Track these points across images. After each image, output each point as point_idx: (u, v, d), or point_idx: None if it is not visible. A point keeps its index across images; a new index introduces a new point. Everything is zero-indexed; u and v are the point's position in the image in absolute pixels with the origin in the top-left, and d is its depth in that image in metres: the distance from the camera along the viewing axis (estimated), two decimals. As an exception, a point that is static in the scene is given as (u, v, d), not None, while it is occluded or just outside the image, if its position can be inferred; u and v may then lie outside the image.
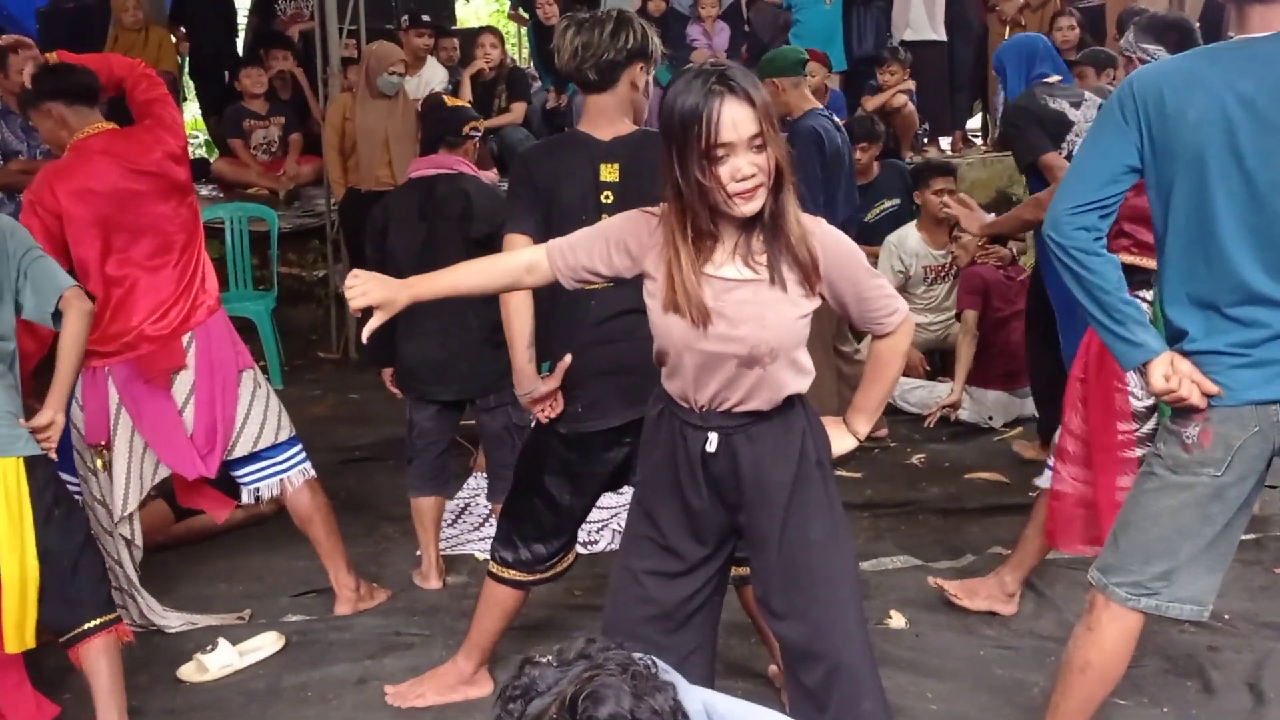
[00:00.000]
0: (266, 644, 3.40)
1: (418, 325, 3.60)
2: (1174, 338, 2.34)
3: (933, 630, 3.45)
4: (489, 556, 3.03)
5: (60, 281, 2.81)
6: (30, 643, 2.80)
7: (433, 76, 7.23)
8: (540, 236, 2.62)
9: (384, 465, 4.94)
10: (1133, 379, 3.27)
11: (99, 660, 2.78)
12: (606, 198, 2.80)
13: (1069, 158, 4.43)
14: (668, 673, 1.47)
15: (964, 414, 5.34)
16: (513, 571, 2.96)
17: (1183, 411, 2.33)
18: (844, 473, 4.84)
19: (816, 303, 2.16)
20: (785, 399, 2.21)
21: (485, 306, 3.51)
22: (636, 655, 1.44)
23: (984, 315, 5.25)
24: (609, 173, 2.80)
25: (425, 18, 7.86)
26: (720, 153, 2.00)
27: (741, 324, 2.11)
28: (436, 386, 3.71)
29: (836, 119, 5.23)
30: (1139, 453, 3.30)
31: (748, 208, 2.04)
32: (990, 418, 5.38)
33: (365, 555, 4.01)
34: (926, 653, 3.30)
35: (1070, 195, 2.33)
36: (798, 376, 2.20)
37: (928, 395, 5.53)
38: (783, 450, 2.23)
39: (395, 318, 3.59)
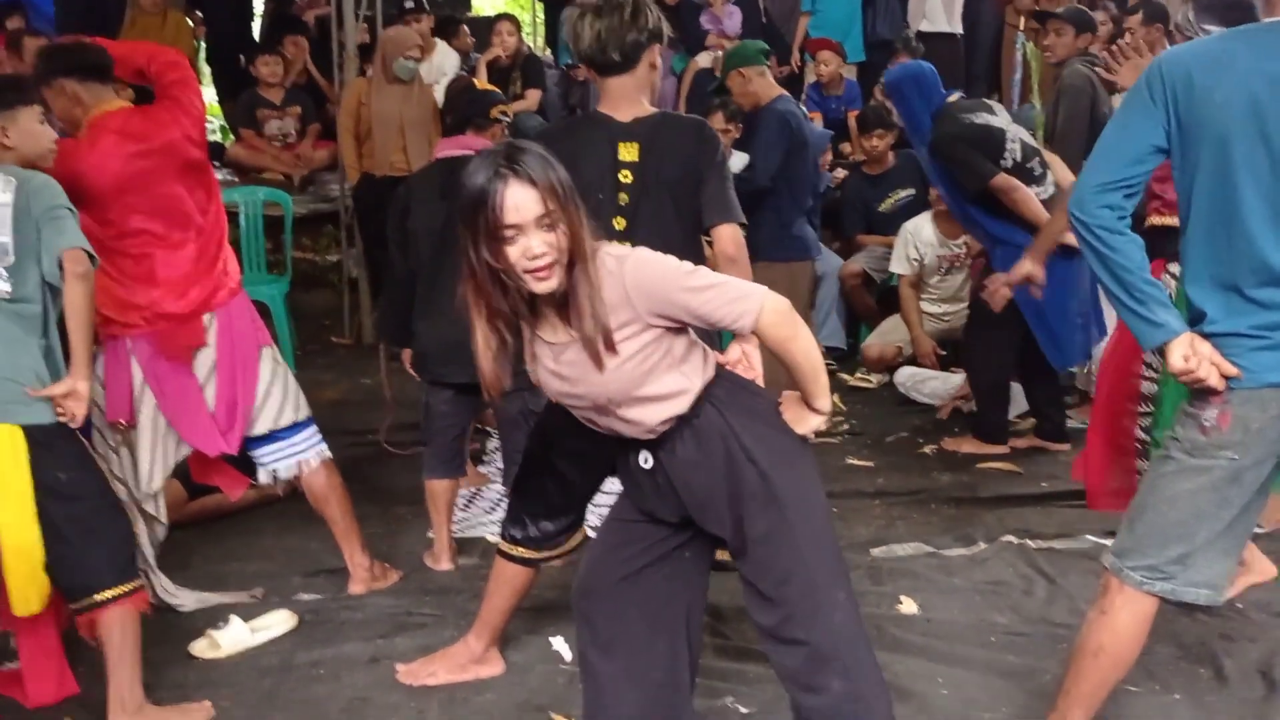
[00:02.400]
0: (279, 622, 3.41)
1: (434, 306, 3.60)
2: (1194, 319, 2.33)
3: (944, 616, 3.44)
4: (499, 535, 3.04)
5: (63, 240, 2.76)
6: (36, 608, 2.80)
7: (445, 62, 7.23)
8: None
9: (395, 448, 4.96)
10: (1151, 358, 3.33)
11: (114, 630, 2.79)
12: (625, 177, 2.80)
13: (1014, 169, 4.44)
14: None
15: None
16: (521, 549, 2.97)
17: (1201, 394, 2.32)
18: (856, 461, 4.85)
19: (646, 337, 2.12)
20: (694, 408, 2.21)
21: None
22: None
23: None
24: (628, 152, 2.81)
25: (425, 3, 7.77)
26: (509, 234, 2.02)
27: (578, 382, 2.17)
28: (452, 368, 3.70)
29: (803, 109, 5.35)
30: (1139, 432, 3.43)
31: (542, 286, 2.06)
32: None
33: (377, 536, 4.02)
34: (938, 638, 3.30)
35: (1096, 173, 2.32)
36: (663, 404, 2.19)
37: (941, 386, 5.52)
38: (705, 457, 2.23)
39: (412, 298, 3.62)
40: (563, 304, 2.11)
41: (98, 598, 2.78)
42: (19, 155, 2.93)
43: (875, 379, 5.99)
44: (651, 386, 2.17)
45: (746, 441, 2.22)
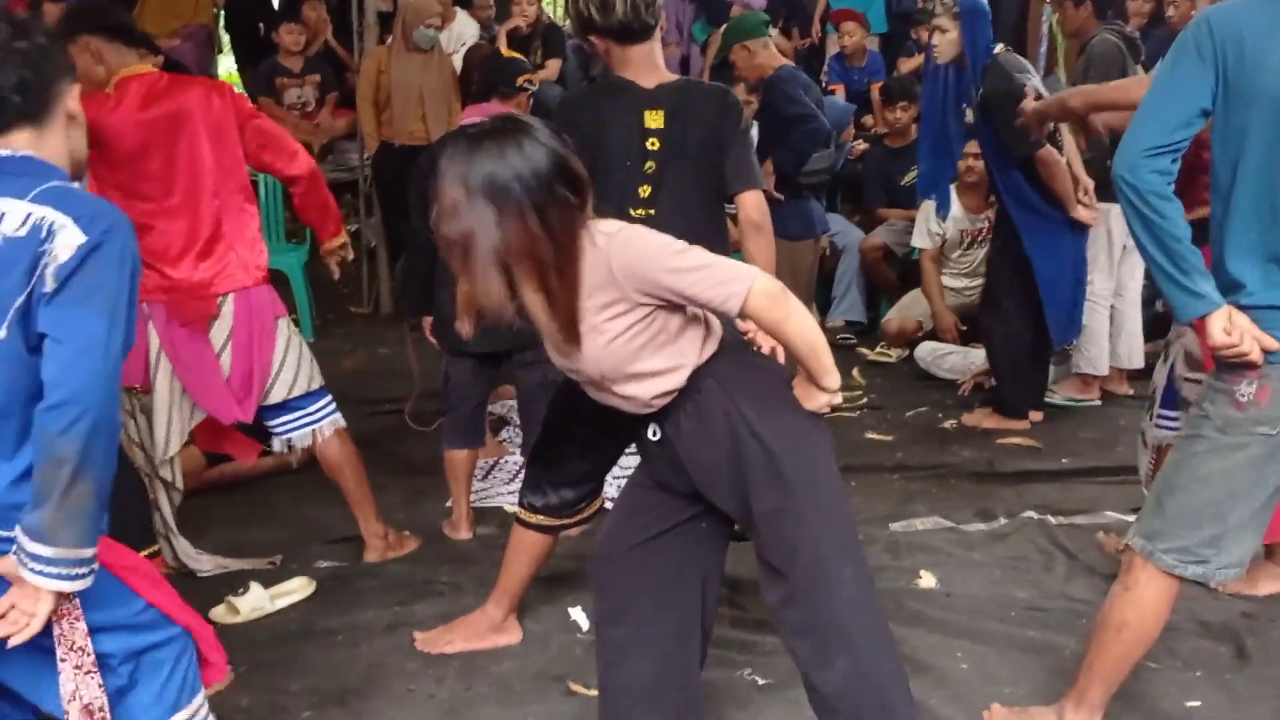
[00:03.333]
0: (297, 588, 3.43)
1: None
2: (1228, 289, 2.27)
3: (964, 591, 3.43)
4: (517, 503, 3.04)
5: None
6: None
7: (465, 31, 7.19)
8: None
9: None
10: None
11: None
12: (652, 144, 2.79)
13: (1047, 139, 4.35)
14: None
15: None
16: (540, 516, 2.97)
17: (1233, 368, 2.27)
18: (875, 435, 4.83)
19: (634, 315, 2.08)
20: (694, 383, 2.18)
21: None
22: None
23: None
24: (654, 119, 2.79)
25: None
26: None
27: (574, 358, 2.16)
28: (477, 336, 3.67)
29: (807, 77, 5.31)
30: None
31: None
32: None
33: (395, 505, 4.03)
34: (957, 613, 3.28)
35: (1145, 136, 2.24)
36: (656, 379, 2.16)
37: (962, 361, 5.49)
38: (708, 432, 2.20)
39: (433, 265, 3.60)
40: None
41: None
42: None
43: (895, 353, 5.95)
44: (642, 363, 2.14)
45: (750, 417, 2.18)
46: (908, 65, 7.24)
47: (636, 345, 2.11)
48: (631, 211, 2.84)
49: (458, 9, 7.36)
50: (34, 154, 1.91)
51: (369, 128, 6.35)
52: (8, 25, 1.89)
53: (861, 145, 6.91)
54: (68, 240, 1.79)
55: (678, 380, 2.17)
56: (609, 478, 3.06)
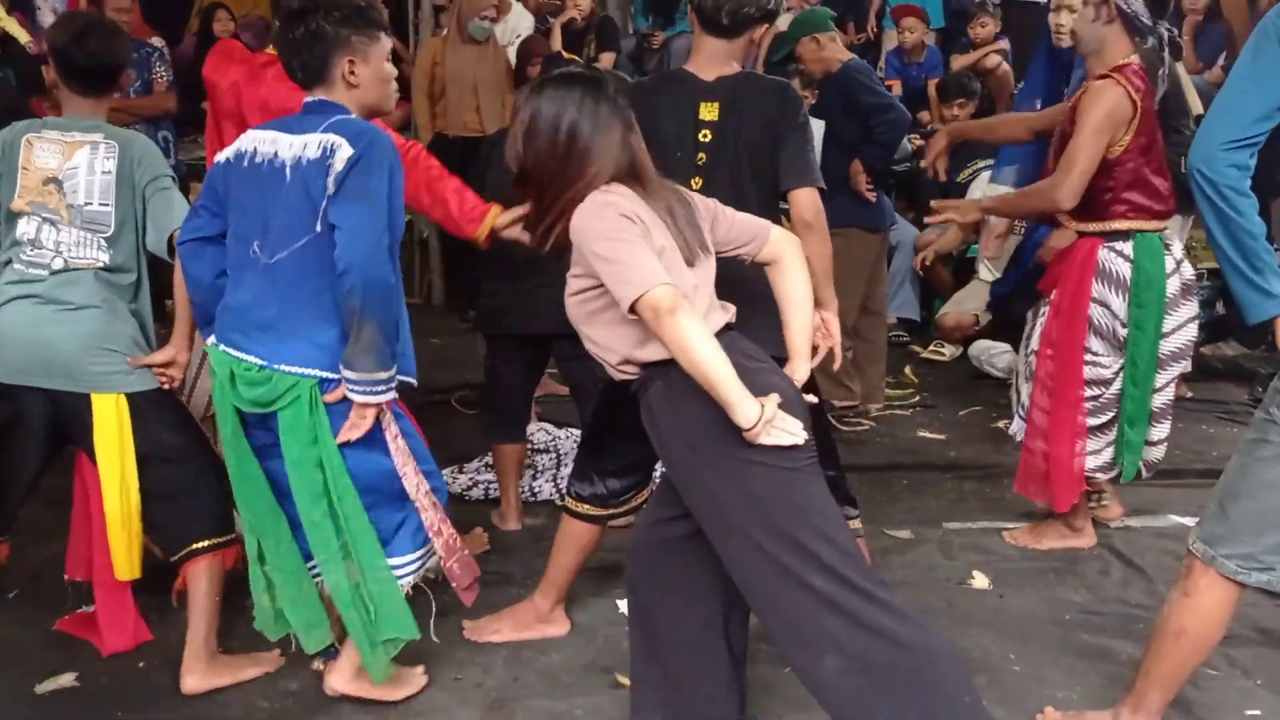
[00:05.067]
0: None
1: (501, 260, 3.60)
2: None
3: (1016, 593, 3.38)
4: (564, 492, 3.04)
5: (173, 218, 2.82)
6: (137, 572, 2.92)
7: (520, 23, 7.19)
8: None
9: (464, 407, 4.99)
10: (1099, 345, 3.37)
11: (200, 579, 2.85)
12: (705, 136, 2.77)
13: None
14: None
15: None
16: (587, 506, 2.98)
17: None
18: (928, 434, 4.78)
19: (585, 281, 2.25)
20: (648, 377, 2.25)
21: None
22: None
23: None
24: (708, 111, 2.77)
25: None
26: None
27: None
28: (511, 317, 3.70)
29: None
30: (1100, 420, 3.44)
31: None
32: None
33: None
34: (1009, 615, 3.24)
35: (1226, 129, 2.18)
36: (597, 351, 2.33)
37: (1014, 360, 5.41)
38: (653, 428, 2.28)
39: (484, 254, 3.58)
40: None
41: (195, 547, 2.84)
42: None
43: (948, 351, 5.89)
44: (588, 329, 2.31)
45: (687, 430, 2.19)
46: (960, 62, 7.15)
47: (586, 311, 2.29)
48: None
49: (514, 1, 7.37)
50: (327, 98, 2.57)
51: (424, 119, 6.38)
52: (298, 19, 2.53)
53: (918, 140, 6.82)
54: (342, 155, 2.43)
55: (613, 361, 2.29)
56: (657, 468, 3.05)
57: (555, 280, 3.60)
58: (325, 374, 2.51)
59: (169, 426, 2.86)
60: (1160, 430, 3.52)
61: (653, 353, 2.21)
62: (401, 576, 2.67)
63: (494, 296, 3.75)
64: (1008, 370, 5.40)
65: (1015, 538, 3.74)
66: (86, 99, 2.89)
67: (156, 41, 5.62)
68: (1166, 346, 3.38)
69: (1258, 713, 2.78)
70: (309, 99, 2.59)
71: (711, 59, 2.82)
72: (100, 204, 2.80)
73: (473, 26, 6.08)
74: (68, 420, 2.83)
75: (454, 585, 2.74)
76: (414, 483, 2.62)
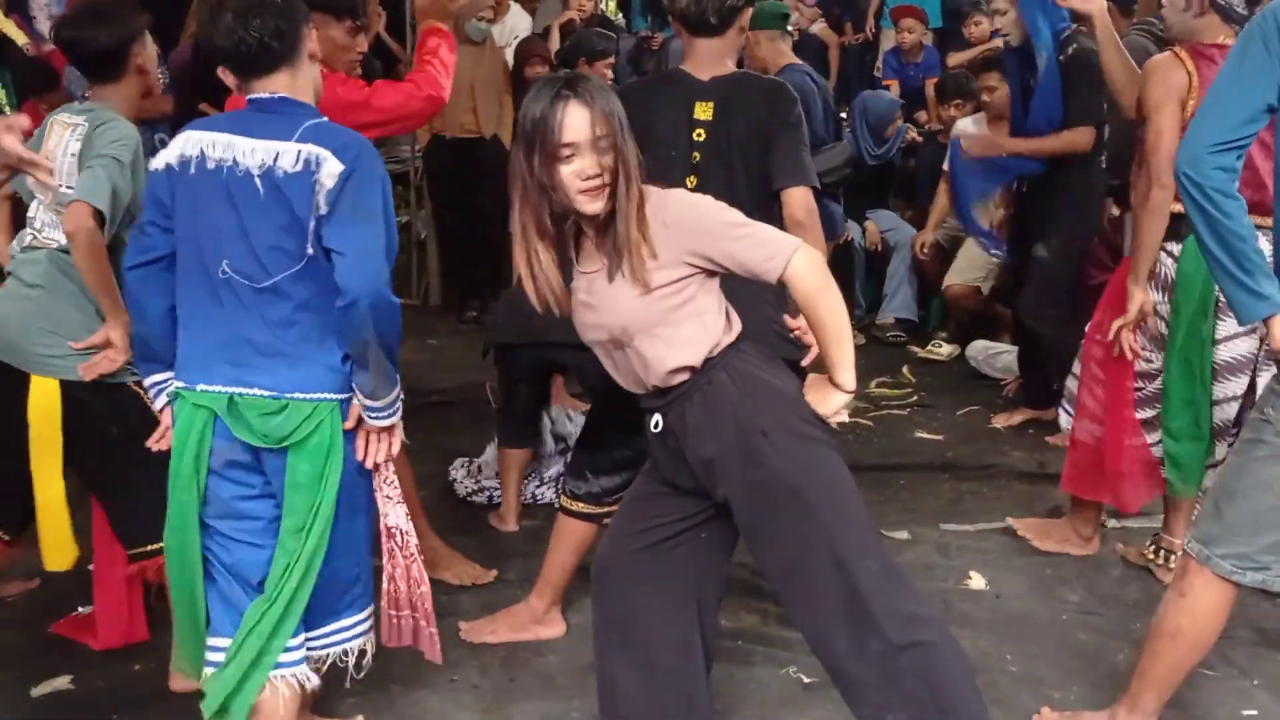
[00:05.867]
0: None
1: (504, 274, 3.62)
2: None
3: (1013, 592, 3.38)
4: (559, 490, 3.05)
5: (76, 192, 2.68)
6: (67, 563, 2.87)
7: (518, 24, 7.19)
8: None
9: (460, 410, 4.98)
10: (1142, 339, 3.28)
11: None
12: (699, 135, 2.77)
13: None
14: None
15: (1049, 380, 5.23)
16: (581, 504, 2.99)
17: (1296, 370, 2.22)
18: (925, 434, 4.78)
19: (674, 273, 2.13)
20: (706, 372, 2.18)
21: None
22: None
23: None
24: (703, 110, 2.77)
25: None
26: (566, 152, 2.10)
27: (603, 310, 2.20)
28: (504, 330, 3.76)
29: (819, 77, 5.14)
30: (1147, 413, 3.37)
31: (592, 206, 2.12)
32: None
33: (439, 495, 4.05)
34: (1007, 615, 3.24)
35: (1210, 132, 2.17)
36: (673, 349, 2.17)
37: (1012, 360, 5.41)
38: (711, 425, 2.19)
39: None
40: (603, 230, 2.16)
41: (150, 548, 2.74)
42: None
43: (946, 351, 5.89)
44: (668, 328, 2.17)
45: (759, 414, 2.18)
46: (955, 59, 7.15)
47: (668, 306, 2.15)
48: None
49: (512, 2, 7.37)
50: (289, 94, 2.26)
51: (420, 121, 6.37)
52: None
53: (914, 133, 6.81)
54: (330, 170, 2.17)
55: (695, 356, 2.18)
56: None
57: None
58: (341, 396, 2.28)
59: (121, 417, 2.74)
60: (1220, 449, 3.29)
61: (728, 339, 2.22)
62: (349, 640, 2.39)
63: (505, 309, 3.81)
64: (1005, 371, 5.40)
65: (1021, 527, 3.73)
66: (95, 85, 2.87)
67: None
68: (1220, 355, 3.18)
69: (1254, 713, 2.78)
70: (260, 96, 2.27)
71: (706, 59, 2.82)
72: (67, 186, 2.73)
73: (469, 27, 6.07)
74: (17, 398, 2.76)
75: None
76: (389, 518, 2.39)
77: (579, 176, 2.10)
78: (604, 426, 2.92)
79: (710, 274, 2.18)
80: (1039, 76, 4.38)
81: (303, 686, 2.31)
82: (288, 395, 2.23)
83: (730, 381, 2.19)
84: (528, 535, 3.80)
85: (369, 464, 2.32)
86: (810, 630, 2.25)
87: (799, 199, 2.83)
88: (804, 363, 2.53)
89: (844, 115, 6.38)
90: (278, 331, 2.23)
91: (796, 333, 2.54)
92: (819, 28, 8.26)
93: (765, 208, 2.95)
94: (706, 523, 2.34)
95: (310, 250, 2.20)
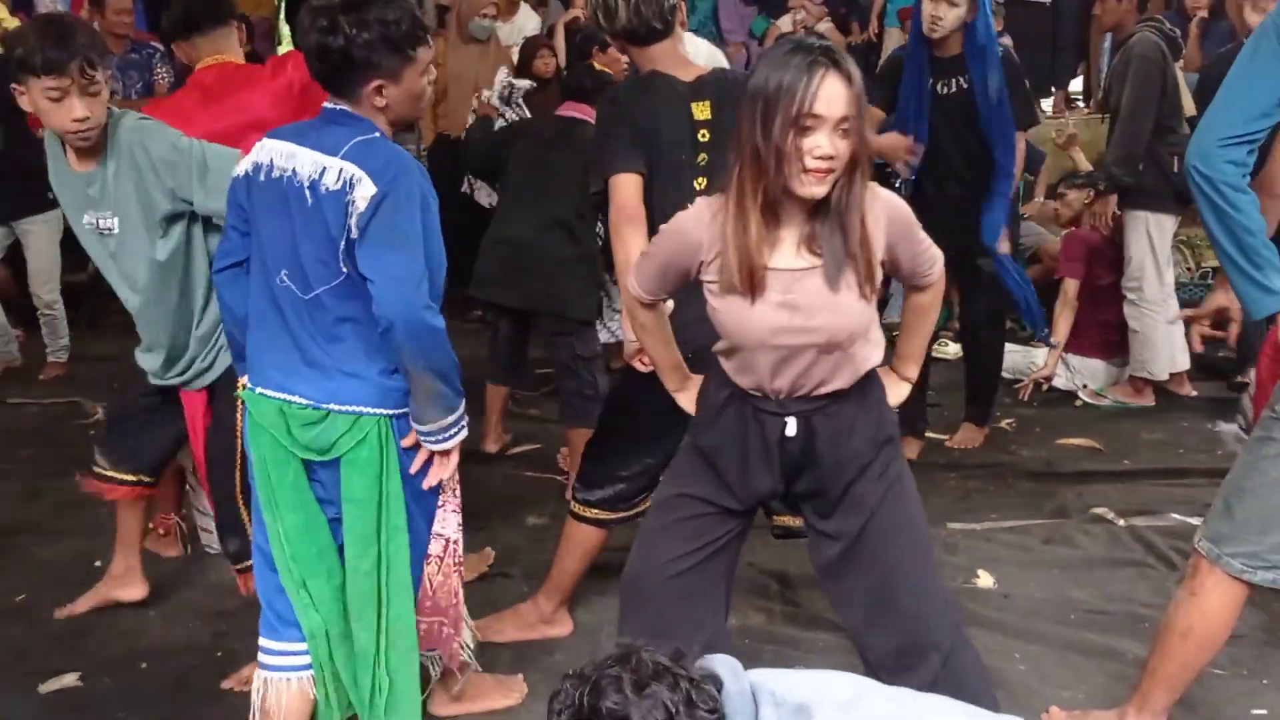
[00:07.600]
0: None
1: (498, 233, 4.19)
2: None
3: (1021, 592, 3.37)
4: (571, 497, 3.03)
5: None
6: None
7: (526, 23, 7.18)
8: (646, 175, 2.68)
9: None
10: None
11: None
12: (703, 135, 2.76)
13: None
14: (705, 660, 1.55)
15: (1058, 381, 5.24)
16: (595, 511, 2.97)
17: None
18: (932, 433, 4.76)
19: (878, 277, 2.08)
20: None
21: (583, 235, 4.14)
22: (644, 649, 1.49)
23: (1085, 282, 5.10)
24: (701, 111, 2.76)
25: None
26: (809, 123, 1.92)
27: (817, 313, 2.03)
28: (501, 289, 4.18)
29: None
30: None
31: (816, 189, 1.95)
32: (1084, 385, 5.24)
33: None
34: (1015, 614, 3.23)
35: (1222, 126, 2.16)
36: (877, 347, 2.18)
37: (1022, 360, 5.39)
38: (861, 422, 2.19)
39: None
40: (811, 219, 2.02)
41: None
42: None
43: (953, 350, 5.88)
44: (876, 329, 2.18)
45: (890, 411, 2.27)
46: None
47: (875, 311, 2.14)
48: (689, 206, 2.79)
49: (522, 1, 7.35)
50: (350, 108, 2.24)
51: (425, 120, 6.37)
52: (325, 32, 2.19)
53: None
54: (364, 192, 2.13)
55: (880, 356, 2.21)
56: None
57: (553, 262, 4.07)
58: (393, 412, 2.28)
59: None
60: None
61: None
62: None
63: (481, 263, 4.24)
64: (1012, 370, 5.38)
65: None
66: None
67: (158, 43, 5.62)
68: None
69: (1263, 712, 2.77)
70: (330, 105, 2.27)
71: (669, 60, 2.80)
72: None
73: (473, 25, 6.07)
74: None
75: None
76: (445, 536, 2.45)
77: (813, 153, 1.93)
78: (613, 435, 2.91)
79: None
80: (993, 83, 4.07)
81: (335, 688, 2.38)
82: (326, 405, 2.25)
83: (878, 380, 2.25)
84: (532, 533, 3.80)
85: (425, 485, 2.32)
86: (902, 623, 2.21)
87: None
88: None
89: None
90: (322, 343, 2.25)
91: None
92: (825, 27, 8.24)
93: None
94: (741, 535, 2.35)
95: (343, 269, 2.19)
